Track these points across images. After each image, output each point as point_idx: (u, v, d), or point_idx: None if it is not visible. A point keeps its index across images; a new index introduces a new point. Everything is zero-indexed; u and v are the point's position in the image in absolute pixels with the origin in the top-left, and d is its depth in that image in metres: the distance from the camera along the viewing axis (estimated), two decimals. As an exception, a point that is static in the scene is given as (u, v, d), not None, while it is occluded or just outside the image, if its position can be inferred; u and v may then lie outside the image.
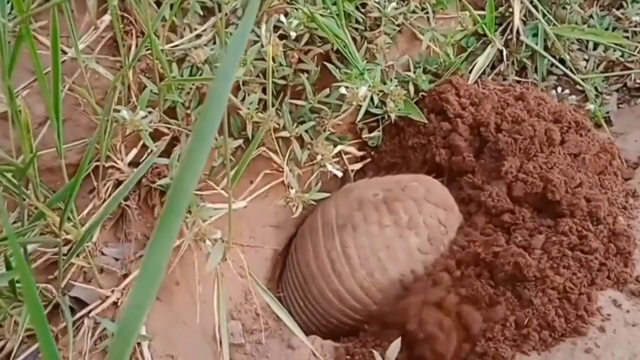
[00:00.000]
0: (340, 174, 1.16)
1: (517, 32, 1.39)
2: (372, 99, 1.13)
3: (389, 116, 1.18)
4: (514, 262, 0.96)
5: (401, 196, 1.08)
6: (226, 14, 1.11)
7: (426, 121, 1.20)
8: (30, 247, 0.90)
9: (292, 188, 1.09)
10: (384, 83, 1.16)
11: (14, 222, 0.90)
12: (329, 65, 1.13)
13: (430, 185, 1.11)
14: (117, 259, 1.01)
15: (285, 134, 1.10)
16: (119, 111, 0.94)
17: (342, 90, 1.06)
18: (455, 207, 1.11)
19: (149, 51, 1.01)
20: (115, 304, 0.96)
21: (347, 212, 1.08)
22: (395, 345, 0.94)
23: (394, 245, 1.05)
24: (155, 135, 1.03)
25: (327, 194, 1.14)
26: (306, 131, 1.12)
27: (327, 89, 1.13)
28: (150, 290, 0.33)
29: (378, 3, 1.21)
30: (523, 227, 1.06)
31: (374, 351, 0.93)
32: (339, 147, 1.17)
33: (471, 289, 0.97)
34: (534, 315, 0.95)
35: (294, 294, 1.12)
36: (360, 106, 1.11)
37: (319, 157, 1.12)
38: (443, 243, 1.07)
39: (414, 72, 1.24)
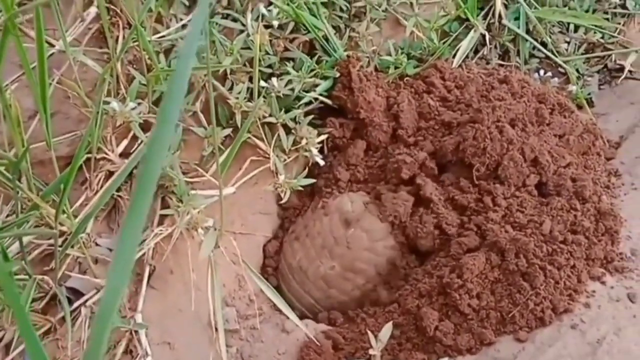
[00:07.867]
0: (322, 162, 1.16)
1: (499, 16, 1.41)
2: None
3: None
4: (522, 248, 0.98)
5: (356, 254, 1.09)
6: (211, 4, 1.11)
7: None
8: (25, 239, 0.91)
9: (280, 174, 1.11)
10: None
11: (9, 215, 0.91)
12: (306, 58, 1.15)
13: (367, 224, 1.10)
14: (110, 250, 1.02)
15: (271, 120, 1.11)
16: (108, 103, 0.95)
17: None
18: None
19: (136, 43, 1.01)
20: (110, 293, 0.97)
21: (321, 294, 1.11)
22: (388, 327, 0.96)
23: None
24: (145, 126, 1.03)
25: (314, 180, 1.16)
26: (291, 119, 1.13)
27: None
28: (125, 273, 0.33)
29: (362, -10, 1.22)
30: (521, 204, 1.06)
31: (369, 332, 0.95)
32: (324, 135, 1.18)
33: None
34: (530, 297, 0.96)
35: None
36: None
37: (303, 142, 1.13)
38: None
39: (398, 56, 1.25)
